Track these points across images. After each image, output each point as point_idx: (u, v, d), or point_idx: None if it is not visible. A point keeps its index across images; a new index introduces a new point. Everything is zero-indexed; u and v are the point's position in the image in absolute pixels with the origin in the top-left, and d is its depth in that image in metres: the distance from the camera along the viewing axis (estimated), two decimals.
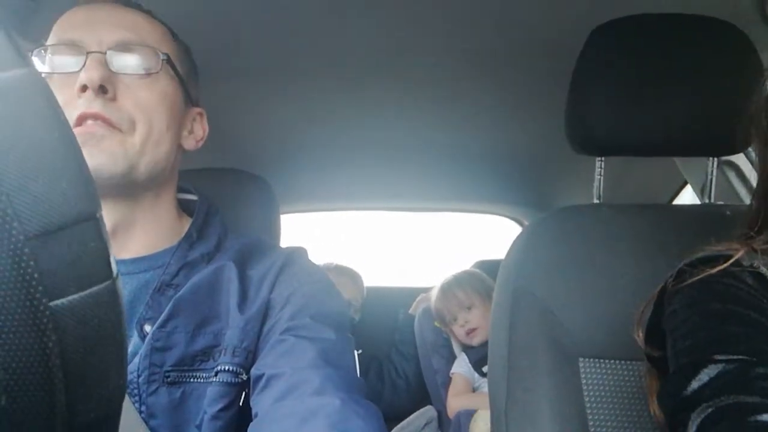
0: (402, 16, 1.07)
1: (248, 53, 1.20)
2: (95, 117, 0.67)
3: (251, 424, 0.65)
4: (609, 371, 0.82)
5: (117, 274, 0.29)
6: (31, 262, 0.24)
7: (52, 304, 0.24)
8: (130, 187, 0.73)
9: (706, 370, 0.55)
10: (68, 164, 0.27)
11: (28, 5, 0.92)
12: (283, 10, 1.05)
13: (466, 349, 1.91)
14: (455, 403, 1.80)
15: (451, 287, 1.91)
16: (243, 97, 1.41)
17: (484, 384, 1.78)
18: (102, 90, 0.68)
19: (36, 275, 0.24)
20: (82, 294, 0.26)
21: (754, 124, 0.67)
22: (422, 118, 1.55)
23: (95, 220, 0.27)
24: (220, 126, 1.52)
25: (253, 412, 0.67)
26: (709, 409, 0.53)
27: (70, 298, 0.25)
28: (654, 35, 0.88)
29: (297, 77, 1.31)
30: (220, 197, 0.91)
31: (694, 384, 0.55)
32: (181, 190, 0.87)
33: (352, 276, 2.16)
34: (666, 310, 0.66)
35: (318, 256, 2.21)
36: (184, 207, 0.85)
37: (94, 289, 0.27)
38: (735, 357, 0.54)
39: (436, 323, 2.00)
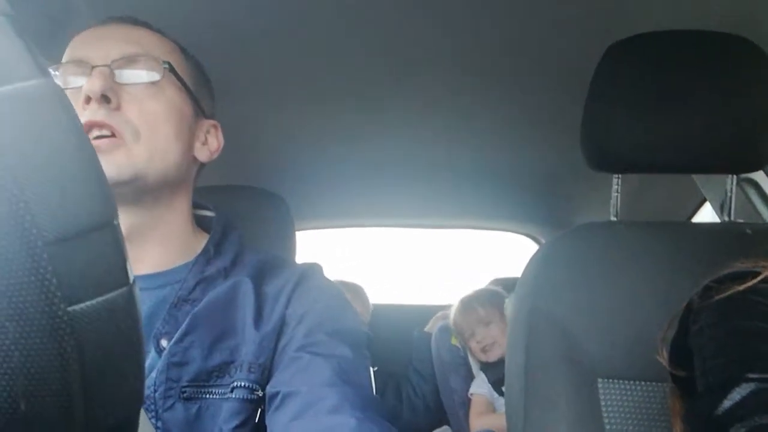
0: (419, 35, 1.08)
1: (265, 72, 1.21)
2: (100, 125, 0.68)
3: None
4: (629, 392, 0.81)
5: (134, 281, 0.29)
6: (50, 268, 0.24)
7: (70, 309, 0.25)
8: (138, 195, 0.73)
9: (738, 389, 0.54)
10: (86, 172, 0.27)
11: (47, 27, 0.94)
12: (300, 29, 1.06)
13: (485, 368, 1.89)
14: (479, 423, 1.79)
15: (472, 302, 1.93)
16: (260, 115, 1.42)
17: (504, 405, 1.77)
18: (105, 99, 0.68)
19: (54, 281, 0.24)
20: (99, 299, 0.26)
21: None
22: (438, 136, 1.56)
23: (112, 227, 0.28)
24: (236, 143, 1.53)
25: (269, 430, 0.66)
26: (743, 429, 0.52)
27: (87, 303, 0.26)
28: (670, 52, 0.88)
29: (314, 95, 1.32)
30: (236, 214, 0.92)
31: (726, 403, 0.54)
32: (199, 206, 0.88)
33: (356, 291, 2.16)
34: (692, 328, 0.65)
35: (330, 273, 2.21)
36: (201, 223, 0.86)
37: (111, 294, 0.27)
38: (767, 376, 0.53)
39: (453, 341, 1.99)
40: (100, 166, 0.28)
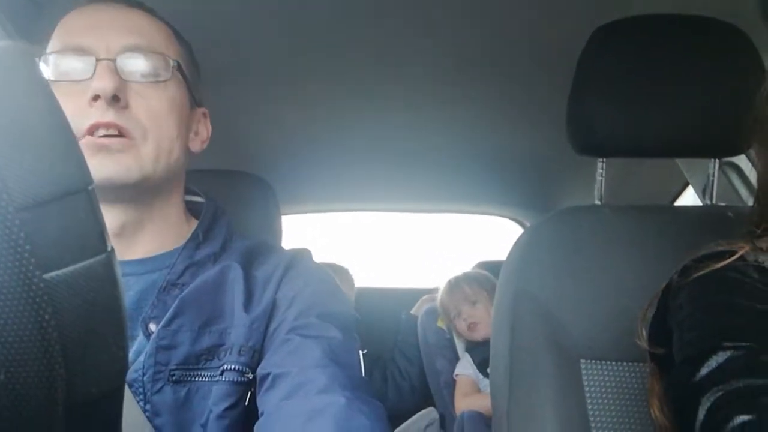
0: (404, 20, 1.07)
1: (251, 55, 1.20)
2: (109, 126, 0.67)
3: (257, 423, 0.65)
4: (611, 373, 0.82)
5: (112, 249, 0.28)
6: (22, 234, 0.24)
7: (46, 276, 0.24)
8: (142, 194, 0.73)
9: (714, 357, 0.56)
10: (56, 137, 0.27)
11: (30, 8, 0.92)
12: (286, 13, 1.05)
13: (470, 349, 1.92)
14: (464, 403, 1.81)
15: (459, 282, 1.96)
16: (245, 99, 1.41)
17: (488, 385, 1.79)
18: (115, 99, 0.67)
19: (28, 247, 0.24)
20: (76, 266, 0.26)
21: (761, 127, 0.67)
22: (424, 121, 1.56)
23: (87, 192, 0.27)
24: (222, 127, 1.52)
25: (260, 411, 0.67)
26: (719, 392, 0.53)
27: (64, 270, 0.25)
28: (655, 36, 0.88)
29: (299, 79, 1.31)
30: (221, 198, 0.92)
31: (703, 370, 0.56)
32: (188, 192, 0.87)
33: (340, 272, 2.17)
34: (671, 306, 0.66)
35: (316, 256, 2.21)
36: (190, 209, 0.86)
37: (88, 261, 0.27)
38: (742, 344, 0.55)
39: (439, 323, 2.01)
40: (72, 132, 0.28)
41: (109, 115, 0.66)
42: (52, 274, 0.25)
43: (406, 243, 3.30)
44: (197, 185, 0.89)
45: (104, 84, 0.66)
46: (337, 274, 2.11)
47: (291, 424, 0.61)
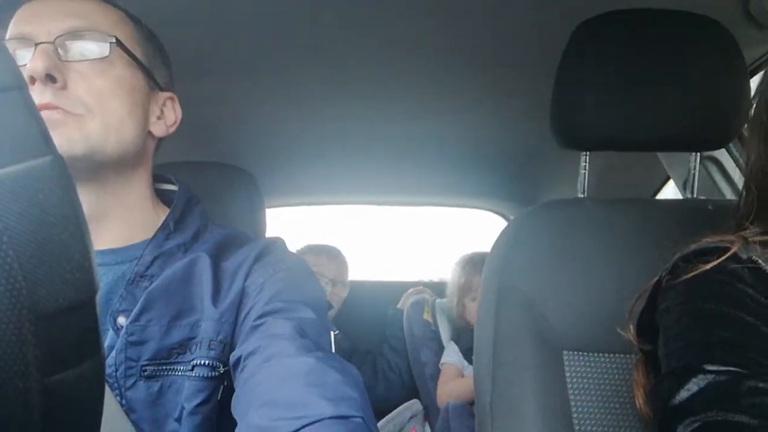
0: (387, 9, 1.06)
1: (233, 46, 1.19)
2: (47, 107, 0.66)
3: (234, 396, 0.65)
4: (592, 364, 0.83)
5: (61, 157, 0.28)
6: None
7: None
8: (94, 171, 0.71)
9: (695, 380, 0.55)
10: None
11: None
12: (267, 2, 1.04)
13: (456, 337, 1.93)
14: (446, 390, 1.82)
15: (483, 259, 1.95)
16: (228, 90, 1.39)
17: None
18: (50, 79, 0.66)
19: None
20: (18, 167, 0.25)
21: (753, 120, 0.66)
22: (408, 112, 1.55)
23: (18, 91, 0.27)
24: (205, 119, 1.51)
25: (236, 392, 0.66)
26: (696, 424, 0.52)
27: (5, 170, 0.25)
28: (639, 31, 0.88)
29: (282, 70, 1.30)
30: (204, 191, 0.91)
31: (683, 393, 0.55)
32: (162, 180, 0.86)
33: (330, 253, 2.14)
34: (660, 306, 0.65)
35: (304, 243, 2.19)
36: (164, 198, 0.85)
37: (29, 163, 0.26)
38: (725, 369, 0.53)
39: (425, 316, 2.02)
40: None
41: (46, 96, 0.66)
42: None
43: (390, 236, 3.31)
44: (179, 177, 0.88)
45: (35, 64, 0.65)
46: (324, 256, 2.09)
47: (264, 389, 0.60)
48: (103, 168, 0.72)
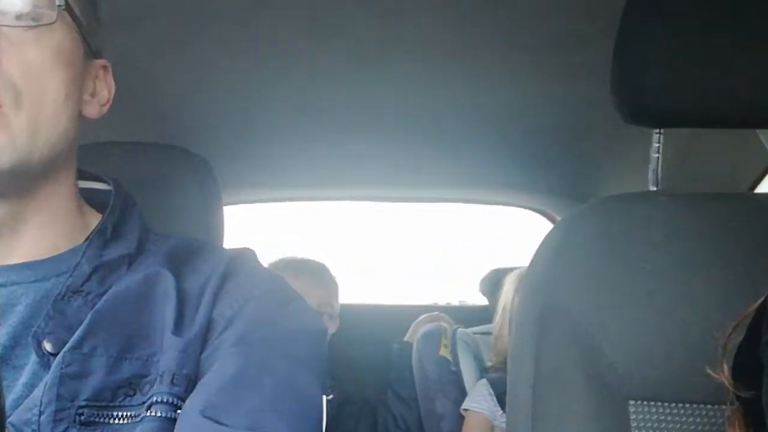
0: None
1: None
2: None
3: None
4: (669, 418, 0.83)
5: None
6: None
7: None
8: (20, 182, 0.72)
9: None
10: None
11: None
12: None
13: (489, 376, 1.91)
14: None
15: None
16: (171, 44, 1.40)
17: None
18: None
19: None
20: None
21: None
22: (420, 79, 1.55)
23: None
24: (148, 92, 1.51)
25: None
26: None
27: None
28: None
29: (243, 17, 1.30)
30: (146, 178, 0.91)
31: None
32: (85, 176, 0.87)
33: (314, 272, 2.11)
34: (764, 338, 0.65)
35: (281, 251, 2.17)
36: (86, 197, 0.85)
37: None
38: None
39: (442, 351, 2.01)
40: None
41: None
42: None
43: (395, 245, 3.32)
44: (115, 161, 0.89)
45: None
46: (307, 275, 2.06)
47: None
48: (29, 175, 0.72)
